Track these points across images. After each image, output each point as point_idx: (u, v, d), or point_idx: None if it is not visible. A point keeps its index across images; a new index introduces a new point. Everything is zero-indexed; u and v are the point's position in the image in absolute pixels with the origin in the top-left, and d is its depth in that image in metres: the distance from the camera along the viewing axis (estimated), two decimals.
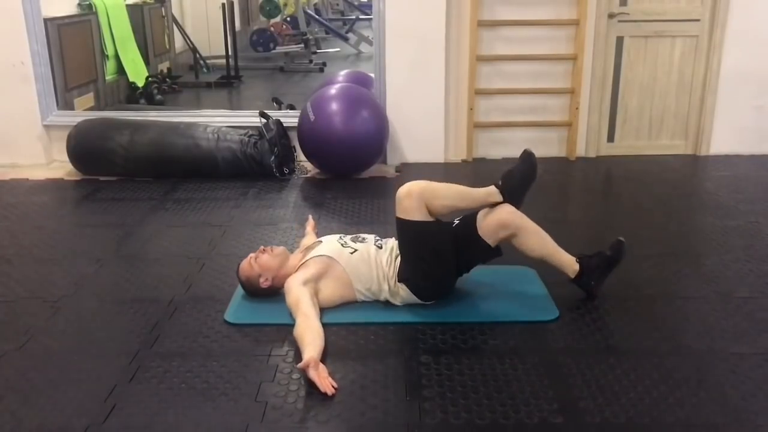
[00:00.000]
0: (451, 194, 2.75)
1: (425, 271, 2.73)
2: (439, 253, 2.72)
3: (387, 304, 2.80)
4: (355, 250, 2.80)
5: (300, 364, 2.25)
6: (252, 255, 2.85)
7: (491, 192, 2.73)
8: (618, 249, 2.83)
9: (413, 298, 2.77)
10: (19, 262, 3.32)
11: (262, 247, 2.87)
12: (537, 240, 2.77)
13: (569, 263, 2.82)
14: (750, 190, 4.39)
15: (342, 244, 2.83)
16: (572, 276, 2.82)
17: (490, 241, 2.72)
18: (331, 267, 2.76)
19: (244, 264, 2.85)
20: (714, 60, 5.02)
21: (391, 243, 2.87)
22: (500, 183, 2.73)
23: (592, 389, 2.26)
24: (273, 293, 2.83)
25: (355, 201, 4.19)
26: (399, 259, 2.78)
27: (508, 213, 2.71)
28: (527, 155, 2.76)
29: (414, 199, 2.65)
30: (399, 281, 2.75)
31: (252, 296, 2.86)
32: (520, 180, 2.73)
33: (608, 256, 2.82)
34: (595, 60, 4.99)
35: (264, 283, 2.80)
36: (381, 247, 2.84)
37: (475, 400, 2.21)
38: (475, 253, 2.78)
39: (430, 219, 2.69)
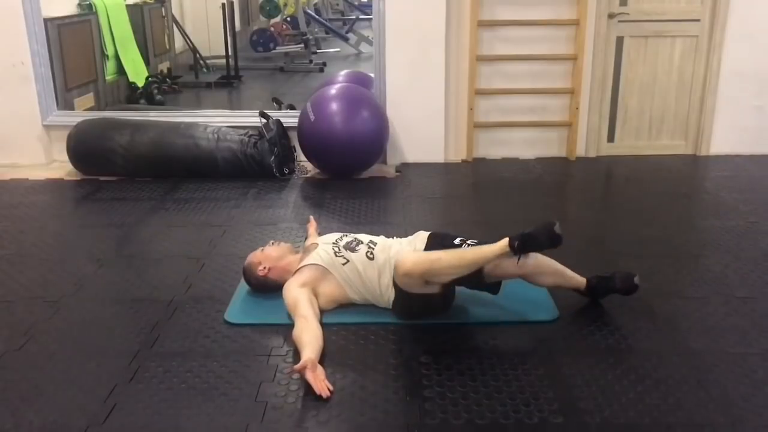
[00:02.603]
0: (455, 269, 2.54)
1: (423, 317, 2.71)
2: (439, 310, 2.73)
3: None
4: (347, 261, 2.76)
5: (296, 366, 2.25)
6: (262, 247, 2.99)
7: (504, 251, 2.52)
8: (629, 287, 2.78)
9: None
10: (19, 262, 3.32)
11: (272, 240, 3.02)
12: (551, 277, 2.76)
13: (579, 284, 2.81)
14: (750, 190, 4.39)
15: (335, 252, 2.79)
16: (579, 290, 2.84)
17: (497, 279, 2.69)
18: (325, 276, 2.76)
19: (252, 253, 2.96)
20: (714, 60, 5.02)
21: (383, 257, 2.76)
22: (517, 245, 2.49)
23: (592, 389, 2.26)
24: (269, 287, 2.85)
25: (355, 201, 4.19)
26: (392, 288, 2.69)
27: (522, 267, 2.61)
28: (555, 234, 2.47)
29: (415, 278, 2.54)
30: (392, 311, 2.71)
31: (250, 285, 2.92)
32: (539, 247, 2.54)
33: (616, 288, 2.78)
34: (595, 60, 4.99)
35: (261, 271, 2.86)
36: (372, 258, 2.75)
37: (475, 400, 2.21)
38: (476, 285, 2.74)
39: (433, 291, 2.60)
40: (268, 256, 2.89)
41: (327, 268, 2.76)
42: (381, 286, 2.72)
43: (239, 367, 2.39)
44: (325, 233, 3.13)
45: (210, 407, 2.18)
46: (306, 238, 3.29)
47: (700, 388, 2.27)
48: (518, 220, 3.88)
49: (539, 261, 2.67)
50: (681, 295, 2.96)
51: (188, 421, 2.12)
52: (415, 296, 2.61)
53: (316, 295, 2.71)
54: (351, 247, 2.80)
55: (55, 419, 2.13)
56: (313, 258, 2.80)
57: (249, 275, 2.91)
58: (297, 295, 2.63)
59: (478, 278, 2.63)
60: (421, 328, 2.64)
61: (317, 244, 2.90)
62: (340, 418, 2.12)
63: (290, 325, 2.54)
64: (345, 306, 2.78)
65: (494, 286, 2.73)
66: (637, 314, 2.76)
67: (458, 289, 2.85)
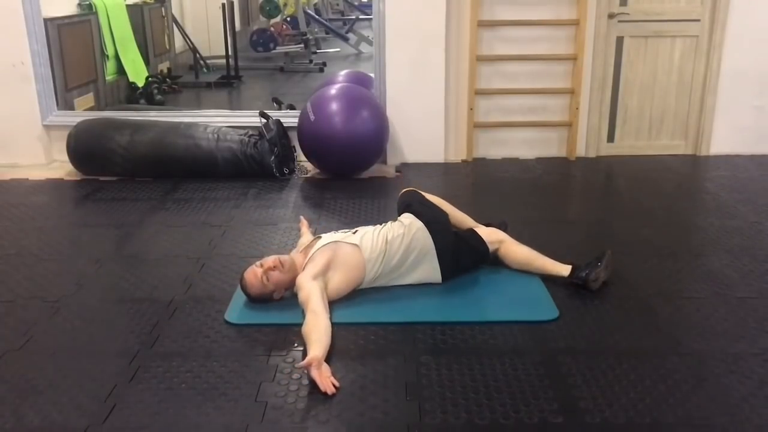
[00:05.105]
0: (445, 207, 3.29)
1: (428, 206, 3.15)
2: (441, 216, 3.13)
3: (390, 296, 2.84)
4: (356, 231, 2.97)
5: (301, 363, 2.25)
6: (258, 269, 2.75)
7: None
8: (602, 252, 3.03)
9: (418, 228, 2.93)
10: (19, 262, 3.32)
11: (270, 263, 2.75)
12: (521, 248, 3.09)
13: (557, 265, 3.00)
14: (750, 190, 4.39)
15: (343, 233, 2.97)
16: (566, 274, 2.95)
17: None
18: (338, 251, 2.82)
19: (253, 280, 2.75)
20: (714, 60, 5.01)
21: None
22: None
23: (592, 389, 2.26)
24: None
25: (355, 201, 4.19)
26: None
27: (494, 229, 3.20)
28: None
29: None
30: (403, 212, 3.09)
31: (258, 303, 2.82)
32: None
33: (596, 263, 2.97)
34: (595, 60, 4.99)
35: (277, 296, 2.80)
36: (376, 225, 3.06)
37: (475, 400, 2.21)
38: (471, 244, 3.04)
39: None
40: (280, 283, 2.76)
41: (338, 240, 2.86)
42: (391, 228, 2.97)
43: (239, 367, 2.39)
44: (324, 233, 3.12)
45: (210, 407, 2.18)
46: (300, 237, 3.30)
47: (700, 388, 2.27)
48: (518, 220, 3.89)
49: (511, 249, 3.10)
50: (681, 295, 2.96)
51: (188, 421, 2.12)
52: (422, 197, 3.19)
53: (327, 282, 2.74)
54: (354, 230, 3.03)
55: (55, 419, 2.13)
56: (320, 242, 2.87)
57: (262, 300, 2.78)
58: (310, 289, 2.64)
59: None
60: (421, 328, 2.64)
61: (320, 236, 2.98)
62: (340, 418, 2.12)
63: (291, 325, 2.55)
64: (347, 304, 2.78)
65: (485, 249, 3.08)
66: (637, 314, 2.77)
67: (459, 285, 2.90)
